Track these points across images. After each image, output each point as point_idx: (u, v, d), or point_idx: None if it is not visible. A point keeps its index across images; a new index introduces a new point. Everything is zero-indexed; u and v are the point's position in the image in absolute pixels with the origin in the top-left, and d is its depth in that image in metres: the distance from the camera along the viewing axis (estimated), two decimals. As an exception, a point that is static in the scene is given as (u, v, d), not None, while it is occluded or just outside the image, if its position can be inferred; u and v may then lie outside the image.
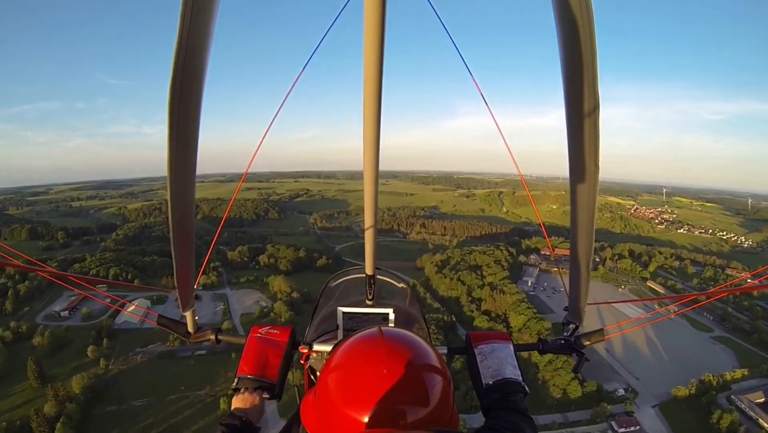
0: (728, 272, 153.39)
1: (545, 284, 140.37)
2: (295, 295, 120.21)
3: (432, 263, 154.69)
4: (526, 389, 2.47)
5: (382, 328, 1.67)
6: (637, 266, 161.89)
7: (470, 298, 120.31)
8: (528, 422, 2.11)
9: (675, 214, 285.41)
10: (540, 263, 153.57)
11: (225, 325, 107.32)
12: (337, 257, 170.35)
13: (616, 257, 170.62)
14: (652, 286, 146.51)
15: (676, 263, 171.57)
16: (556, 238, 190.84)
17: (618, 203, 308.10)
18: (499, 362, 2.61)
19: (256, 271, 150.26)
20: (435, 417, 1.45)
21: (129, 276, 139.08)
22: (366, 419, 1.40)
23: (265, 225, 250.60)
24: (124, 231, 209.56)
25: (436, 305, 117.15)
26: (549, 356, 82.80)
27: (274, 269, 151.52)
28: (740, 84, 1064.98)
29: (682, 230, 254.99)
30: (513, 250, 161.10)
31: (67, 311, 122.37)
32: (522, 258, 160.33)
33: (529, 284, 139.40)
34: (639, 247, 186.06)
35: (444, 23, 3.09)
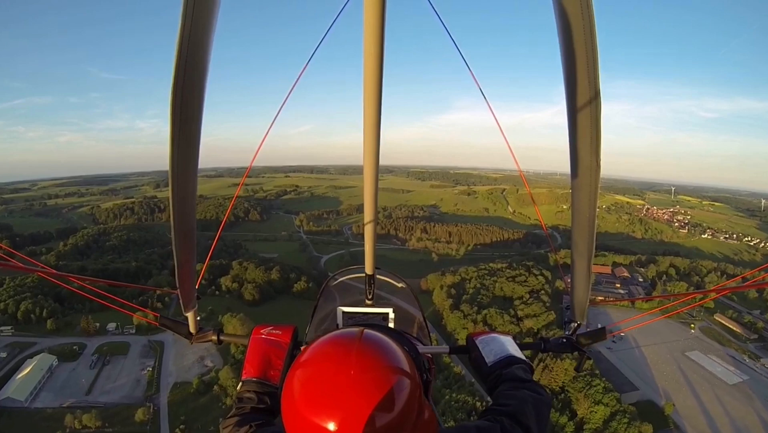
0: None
1: (598, 324, 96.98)
2: (254, 350, 78.66)
3: (442, 287, 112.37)
4: (531, 364, 2.49)
5: (365, 331, 1.57)
6: (694, 290, 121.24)
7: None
8: (534, 388, 2.12)
9: (689, 215, 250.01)
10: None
11: (138, 415, 67.13)
12: (321, 275, 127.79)
13: (664, 277, 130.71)
14: (724, 322, 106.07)
15: (731, 284, 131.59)
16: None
17: (628, 203, 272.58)
18: (501, 345, 2.60)
19: (215, 299, 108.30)
20: (399, 424, 1.37)
21: (43, 313, 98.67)
22: (327, 423, 1.30)
23: (244, 228, 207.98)
24: (77, 239, 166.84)
25: (458, 368, 75.29)
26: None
27: (238, 297, 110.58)
28: (735, 82, 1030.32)
29: (705, 235, 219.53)
30: (548, 273, 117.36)
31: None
32: (559, 284, 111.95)
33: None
34: (681, 261, 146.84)
35: (441, 17, 3.00)
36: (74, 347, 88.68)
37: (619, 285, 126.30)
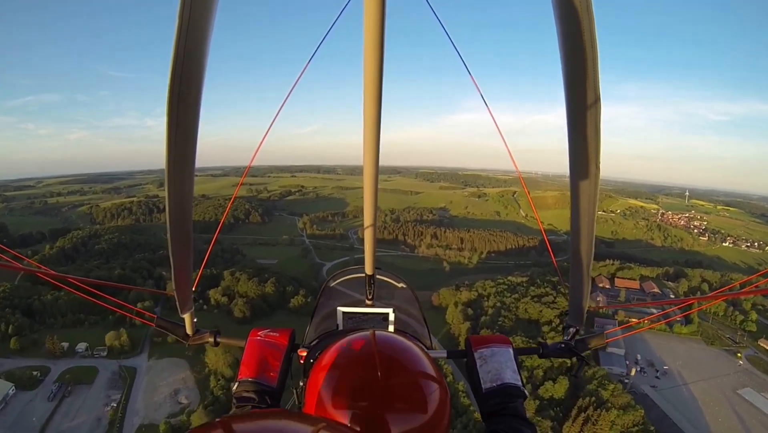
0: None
1: (638, 355, 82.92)
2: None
3: (457, 304, 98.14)
4: (526, 393, 2.39)
5: (376, 332, 1.57)
6: (735, 311, 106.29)
7: (534, 397, 62.17)
8: (530, 428, 2.09)
9: (705, 221, 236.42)
10: (615, 313, 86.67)
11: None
12: (321, 287, 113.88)
13: (699, 294, 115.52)
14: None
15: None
16: (611, 261, 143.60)
17: (642, 207, 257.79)
18: (498, 366, 2.43)
19: (201, 315, 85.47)
20: (434, 425, 1.33)
21: (9, 329, 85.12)
22: (359, 426, 1.27)
23: (243, 231, 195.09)
24: (65, 242, 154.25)
25: (478, 415, 61.26)
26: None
27: (227, 312, 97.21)
28: (745, 85, 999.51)
29: (726, 243, 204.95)
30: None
31: None
32: (591, 304, 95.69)
33: (629, 370, 79.19)
34: (712, 275, 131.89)
35: (442, 22, 3.00)
36: (35, 373, 75.64)
37: (650, 302, 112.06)
